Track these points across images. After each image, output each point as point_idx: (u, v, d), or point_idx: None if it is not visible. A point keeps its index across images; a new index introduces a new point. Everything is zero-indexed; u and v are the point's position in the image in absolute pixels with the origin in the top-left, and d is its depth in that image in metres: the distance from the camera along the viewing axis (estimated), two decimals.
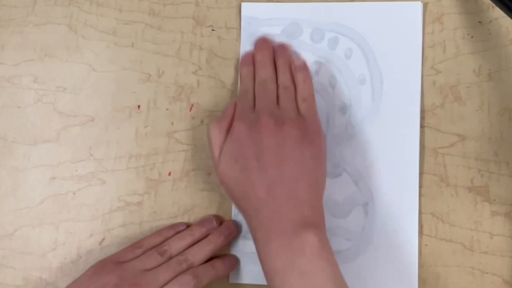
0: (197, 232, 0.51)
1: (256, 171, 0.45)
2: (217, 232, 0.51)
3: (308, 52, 0.53)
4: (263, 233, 0.44)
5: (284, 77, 0.51)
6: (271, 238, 0.44)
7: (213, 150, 0.48)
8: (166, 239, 0.51)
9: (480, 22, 0.52)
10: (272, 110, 0.48)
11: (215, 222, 0.52)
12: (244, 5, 0.54)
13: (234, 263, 0.52)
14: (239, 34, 0.55)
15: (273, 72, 0.51)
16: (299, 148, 0.46)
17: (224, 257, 0.51)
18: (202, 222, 0.52)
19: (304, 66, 0.52)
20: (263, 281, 0.51)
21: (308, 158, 0.46)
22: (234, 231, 0.52)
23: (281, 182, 0.45)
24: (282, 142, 0.46)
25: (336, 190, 0.52)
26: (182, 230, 0.52)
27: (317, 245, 0.43)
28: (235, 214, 0.53)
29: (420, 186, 0.51)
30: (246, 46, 0.54)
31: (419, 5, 0.52)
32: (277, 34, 0.54)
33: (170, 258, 0.49)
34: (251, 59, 0.52)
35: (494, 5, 0.50)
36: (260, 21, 0.54)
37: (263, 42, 0.53)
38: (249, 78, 0.51)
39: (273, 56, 0.52)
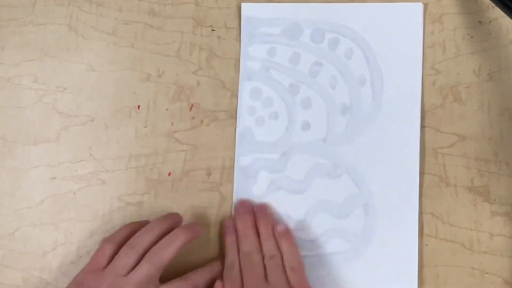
0: (163, 225, 0.50)
1: None
2: (183, 227, 0.50)
3: (308, 52, 0.53)
4: None
5: (268, 246, 0.50)
6: None
7: None
8: (132, 232, 0.50)
9: (480, 22, 0.52)
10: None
11: (179, 218, 0.52)
12: (244, 5, 0.54)
13: (197, 229, 0.51)
14: (239, 34, 0.55)
15: (256, 241, 0.50)
16: None
17: (188, 225, 0.51)
18: (166, 216, 0.52)
19: (286, 232, 0.51)
20: None
21: None
22: (199, 230, 0.51)
23: None
24: None
25: (336, 191, 0.52)
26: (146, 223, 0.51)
27: None
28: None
29: (420, 186, 0.51)
30: (246, 46, 0.54)
31: (419, 6, 0.52)
32: (277, 34, 0.54)
33: (144, 251, 0.48)
34: (233, 228, 0.52)
35: (494, 5, 0.50)
36: (260, 21, 0.54)
37: (242, 207, 0.52)
38: (233, 250, 0.51)
39: (255, 221, 0.51)
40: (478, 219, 0.50)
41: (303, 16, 0.54)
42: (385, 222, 0.51)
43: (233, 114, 0.54)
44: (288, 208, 0.52)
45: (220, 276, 0.50)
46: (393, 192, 0.51)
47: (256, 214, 0.52)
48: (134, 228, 0.51)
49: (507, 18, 0.50)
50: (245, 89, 0.54)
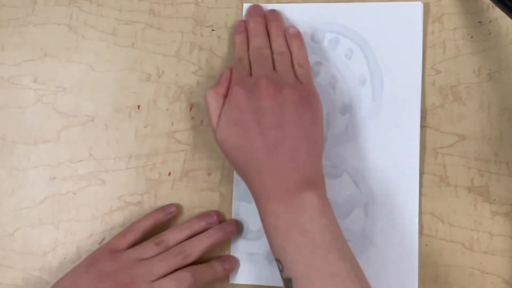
0: (196, 225, 0.51)
1: (256, 134, 0.46)
2: (217, 227, 0.51)
3: (308, 52, 0.53)
4: (264, 193, 0.45)
5: (278, 43, 0.51)
6: (272, 198, 0.44)
7: (211, 116, 0.48)
8: (157, 221, 0.52)
9: (480, 22, 0.52)
10: (270, 74, 0.48)
11: (215, 217, 0.52)
12: (245, 5, 0.54)
13: (234, 264, 0.52)
14: None
15: (266, 39, 0.52)
16: (299, 111, 0.46)
17: (223, 258, 0.52)
18: (202, 216, 0.52)
19: (298, 34, 0.52)
20: (263, 282, 0.51)
21: (307, 121, 0.47)
22: (235, 229, 0.52)
23: (282, 144, 0.45)
24: (282, 105, 0.46)
25: (336, 190, 0.52)
26: (173, 212, 0.52)
27: (318, 204, 0.44)
28: (236, 213, 0.53)
29: (420, 186, 0.51)
30: None
31: (419, 6, 0.52)
32: None
33: (167, 249, 0.49)
34: (244, 27, 0.53)
35: (494, 5, 0.50)
36: None
37: (254, 10, 0.53)
38: (243, 46, 0.52)
39: (266, 23, 0.53)
40: (478, 219, 0.50)
41: (303, 16, 0.54)
42: (385, 222, 0.51)
43: None
44: None
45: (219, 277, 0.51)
46: (393, 192, 0.51)
47: (268, 16, 0.53)
48: (159, 217, 0.52)
49: (507, 18, 0.50)
50: None
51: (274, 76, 0.48)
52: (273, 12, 0.53)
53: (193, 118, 0.54)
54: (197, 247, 0.49)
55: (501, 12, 0.48)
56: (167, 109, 0.55)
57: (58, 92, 0.56)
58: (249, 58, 0.51)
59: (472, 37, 0.52)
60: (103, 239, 0.54)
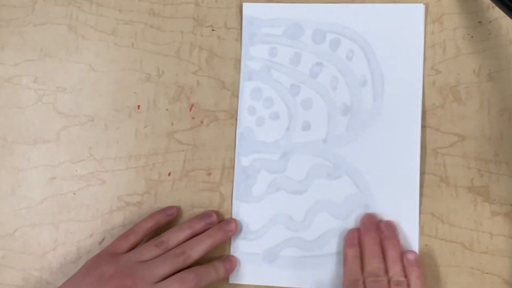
0: (195, 225, 0.51)
1: None
2: (217, 226, 0.51)
3: (309, 53, 0.53)
4: None
5: (396, 270, 0.48)
6: None
7: None
8: (158, 223, 0.52)
9: (480, 22, 0.52)
10: None
11: (215, 217, 0.52)
12: (245, 5, 0.54)
13: (235, 264, 0.52)
14: (239, 34, 0.55)
15: (383, 263, 0.49)
16: None
17: (224, 258, 0.52)
18: (201, 215, 0.52)
19: (416, 261, 0.49)
20: (262, 282, 0.51)
21: None
22: (234, 228, 0.52)
23: None
24: None
25: (336, 191, 0.52)
26: (173, 214, 0.52)
27: None
28: (236, 213, 0.53)
29: (420, 186, 0.51)
30: (247, 46, 0.54)
31: (421, 7, 0.52)
32: (278, 34, 0.54)
33: (167, 250, 0.49)
34: (357, 240, 0.50)
35: (494, 5, 0.50)
36: (261, 21, 0.54)
37: (369, 221, 0.51)
38: (356, 263, 0.49)
39: (380, 238, 0.50)
40: (478, 219, 0.50)
41: (304, 17, 0.54)
42: None
43: (233, 114, 0.54)
44: (288, 208, 0.52)
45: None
46: (394, 193, 0.51)
47: (384, 232, 0.50)
48: (160, 219, 0.52)
49: (507, 18, 0.50)
50: (245, 89, 0.54)
51: None
52: (389, 225, 0.50)
53: (193, 118, 0.54)
54: (198, 247, 0.49)
55: (501, 12, 0.48)
56: (167, 109, 0.55)
57: (58, 92, 0.56)
58: (364, 283, 0.48)
59: (472, 37, 0.52)
60: (103, 239, 0.54)
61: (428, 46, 0.52)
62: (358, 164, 0.52)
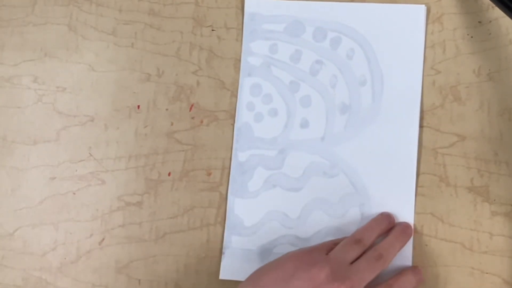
0: (383, 225, 0.49)
1: None
2: (400, 230, 0.49)
3: (310, 51, 0.53)
4: None
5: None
6: None
7: None
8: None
9: (480, 22, 0.52)
10: None
11: (392, 217, 0.50)
12: (247, 1, 0.54)
13: (411, 229, 0.50)
14: (239, 34, 0.55)
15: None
16: None
17: (414, 268, 0.49)
18: (383, 216, 0.50)
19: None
20: None
21: None
22: (412, 230, 0.50)
23: None
24: None
25: (332, 190, 0.52)
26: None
27: None
28: (230, 208, 0.53)
29: (420, 186, 0.51)
30: (248, 42, 0.54)
31: (422, 9, 0.52)
32: (279, 31, 0.54)
33: (365, 248, 0.47)
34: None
35: (494, 5, 0.50)
36: (263, 17, 0.54)
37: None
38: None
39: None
40: (478, 219, 0.50)
41: (306, 14, 0.54)
42: None
43: (233, 114, 0.54)
44: (284, 205, 0.52)
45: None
46: (389, 193, 0.51)
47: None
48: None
49: (507, 18, 0.50)
50: (245, 85, 0.54)
51: None
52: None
53: (193, 118, 0.54)
54: (391, 252, 0.48)
55: (501, 12, 0.48)
56: (167, 109, 0.55)
57: (58, 92, 0.56)
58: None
59: (472, 37, 0.52)
60: (103, 239, 0.54)
61: (428, 46, 0.52)
62: (355, 163, 0.52)
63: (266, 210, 0.52)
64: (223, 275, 0.52)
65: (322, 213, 0.52)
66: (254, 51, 0.54)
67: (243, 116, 0.54)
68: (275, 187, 0.53)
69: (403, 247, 0.49)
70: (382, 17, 0.53)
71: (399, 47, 0.52)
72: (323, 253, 0.47)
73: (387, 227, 0.50)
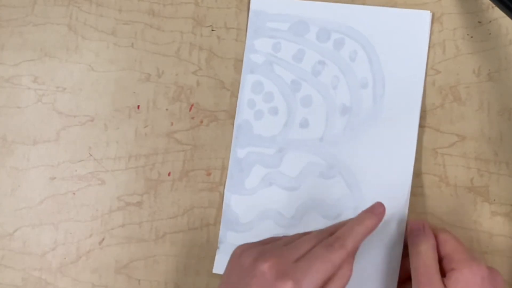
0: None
1: None
2: (364, 212, 0.48)
3: (313, 51, 0.53)
4: None
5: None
6: None
7: None
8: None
9: (480, 22, 0.52)
10: None
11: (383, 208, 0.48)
12: (253, 0, 0.55)
13: (383, 210, 0.48)
14: (239, 34, 0.55)
15: None
16: None
17: (370, 208, 0.48)
18: (371, 208, 0.48)
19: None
20: None
21: None
22: (384, 210, 0.48)
23: None
24: None
25: (328, 191, 0.52)
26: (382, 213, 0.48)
27: None
28: (227, 205, 0.53)
29: (420, 186, 0.51)
30: (252, 39, 0.54)
31: (428, 15, 0.52)
32: (283, 30, 0.54)
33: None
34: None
35: (494, 5, 0.50)
36: (267, 15, 0.54)
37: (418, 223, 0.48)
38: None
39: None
40: (478, 219, 0.50)
41: (311, 14, 0.54)
42: None
43: (233, 114, 0.54)
44: (279, 204, 0.52)
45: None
46: (384, 196, 0.50)
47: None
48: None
49: (507, 18, 0.50)
50: (247, 82, 0.54)
51: None
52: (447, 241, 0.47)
53: (193, 118, 0.54)
54: (350, 235, 0.45)
55: (501, 12, 0.48)
56: (167, 109, 0.55)
57: (58, 92, 0.56)
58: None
59: (472, 37, 0.52)
60: (103, 239, 0.54)
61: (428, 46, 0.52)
62: (352, 165, 0.52)
63: (261, 207, 0.52)
64: (216, 269, 0.52)
65: (317, 213, 0.52)
66: (257, 48, 0.54)
67: (243, 113, 0.54)
68: (272, 186, 0.53)
69: (372, 229, 0.47)
70: (387, 21, 0.53)
71: (402, 52, 0.52)
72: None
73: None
